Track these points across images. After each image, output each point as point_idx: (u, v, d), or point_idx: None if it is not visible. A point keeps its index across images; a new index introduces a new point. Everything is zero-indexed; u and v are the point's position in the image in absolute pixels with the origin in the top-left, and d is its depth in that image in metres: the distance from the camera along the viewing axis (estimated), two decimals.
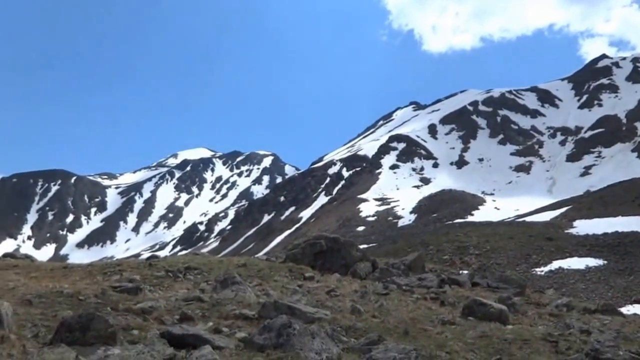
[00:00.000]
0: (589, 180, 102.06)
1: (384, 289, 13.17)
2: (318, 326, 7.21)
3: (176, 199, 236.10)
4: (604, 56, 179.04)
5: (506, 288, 15.05)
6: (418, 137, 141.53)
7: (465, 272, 21.55)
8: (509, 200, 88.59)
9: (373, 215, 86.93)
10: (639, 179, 54.65)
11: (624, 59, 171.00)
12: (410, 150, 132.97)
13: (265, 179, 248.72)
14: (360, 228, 79.64)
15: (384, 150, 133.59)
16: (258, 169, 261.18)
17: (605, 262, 28.35)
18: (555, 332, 9.29)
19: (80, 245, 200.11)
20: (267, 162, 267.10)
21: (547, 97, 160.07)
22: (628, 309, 20.51)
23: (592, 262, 28.72)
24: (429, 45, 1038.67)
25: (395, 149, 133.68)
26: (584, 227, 38.14)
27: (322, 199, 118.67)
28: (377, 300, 11.34)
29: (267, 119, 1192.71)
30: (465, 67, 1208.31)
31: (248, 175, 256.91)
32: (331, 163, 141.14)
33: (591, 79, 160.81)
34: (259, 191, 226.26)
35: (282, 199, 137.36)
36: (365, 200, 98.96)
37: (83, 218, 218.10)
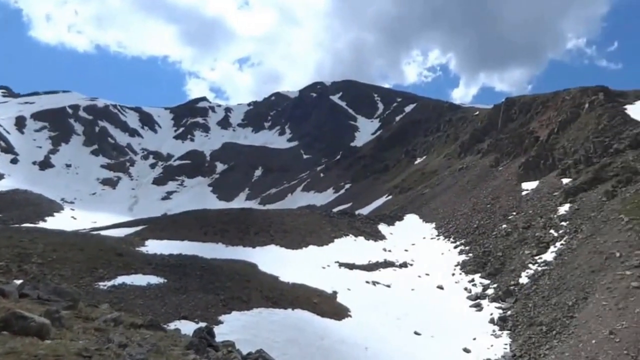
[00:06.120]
0: (168, 205, 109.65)
1: None
2: None
3: None
4: (204, 98, 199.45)
5: (58, 301, 14.23)
6: (1, 126, 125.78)
7: (20, 281, 19.61)
8: (89, 211, 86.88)
9: None
10: (209, 210, 61.21)
11: (220, 106, 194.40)
12: None
13: None
14: None
15: None
16: None
17: (166, 280, 30.23)
18: (92, 347, 9.14)
19: None
20: None
21: (148, 121, 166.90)
22: (175, 324, 22.25)
23: (154, 279, 30.19)
24: (37, 33, 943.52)
25: None
26: (154, 246, 40.03)
27: None
28: None
29: None
30: (74, 68, 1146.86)
31: None
32: None
33: (190, 115, 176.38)
34: None
35: None
36: None
37: None
